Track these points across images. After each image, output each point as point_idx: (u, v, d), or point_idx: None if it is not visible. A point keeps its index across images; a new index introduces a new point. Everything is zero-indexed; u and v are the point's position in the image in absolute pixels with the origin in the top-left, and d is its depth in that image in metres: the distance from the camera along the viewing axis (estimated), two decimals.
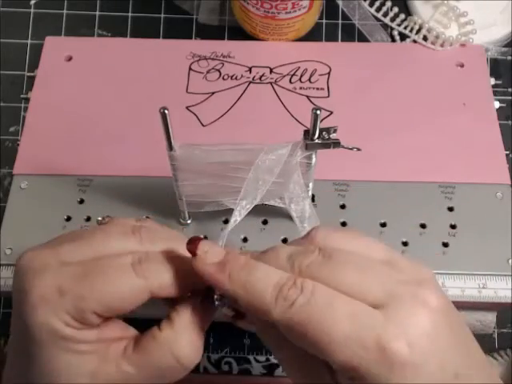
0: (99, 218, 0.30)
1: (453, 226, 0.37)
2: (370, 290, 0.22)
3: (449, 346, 0.22)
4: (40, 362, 0.24)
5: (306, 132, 0.30)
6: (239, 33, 0.47)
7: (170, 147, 0.30)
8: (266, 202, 0.34)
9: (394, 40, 0.48)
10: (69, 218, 0.37)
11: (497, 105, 0.43)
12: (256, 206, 0.32)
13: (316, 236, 0.25)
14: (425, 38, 0.46)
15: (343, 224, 0.37)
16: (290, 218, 0.36)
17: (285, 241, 0.37)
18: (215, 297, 0.26)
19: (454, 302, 0.35)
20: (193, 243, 0.25)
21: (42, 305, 0.24)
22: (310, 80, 0.44)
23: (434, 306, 0.22)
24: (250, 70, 0.44)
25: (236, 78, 0.44)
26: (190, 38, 0.48)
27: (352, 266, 0.23)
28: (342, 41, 0.48)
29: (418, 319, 0.22)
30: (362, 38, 0.48)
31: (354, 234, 0.26)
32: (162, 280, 0.25)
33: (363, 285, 0.23)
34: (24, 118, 0.43)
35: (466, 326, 0.24)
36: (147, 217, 0.37)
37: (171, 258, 0.26)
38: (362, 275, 0.23)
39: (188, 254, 0.25)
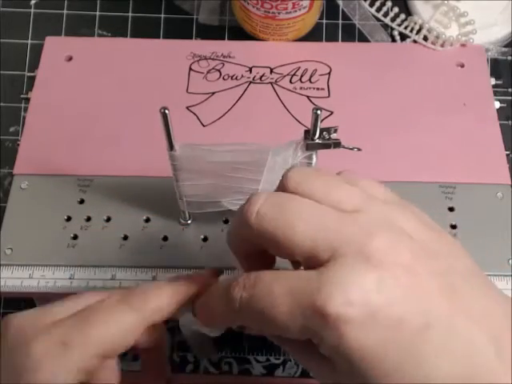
0: None
1: (453, 226, 0.37)
2: (317, 247, 0.21)
3: (411, 296, 0.20)
4: None
5: (307, 132, 0.30)
6: (239, 33, 0.47)
7: (171, 147, 0.30)
8: None
9: (394, 40, 0.48)
10: (69, 218, 0.37)
11: (497, 105, 0.43)
12: None
13: (289, 180, 0.24)
14: (425, 38, 0.46)
15: None
16: None
17: None
18: None
19: None
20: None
21: (47, 361, 0.24)
22: (310, 80, 0.44)
23: (382, 259, 0.20)
24: (250, 70, 0.44)
25: (236, 78, 0.44)
26: (190, 38, 0.48)
27: (303, 219, 0.22)
28: (342, 41, 0.48)
29: (357, 276, 0.20)
30: (363, 38, 0.48)
31: (334, 182, 0.24)
32: (154, 306, 0.26)
33: (312, 241, 0.21)
34: (24, 118, 0.43)
35: (457, 273, 0.22)
36: (148, 218, 0.37)
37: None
38: (310, 230, 0.21)
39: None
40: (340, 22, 0.49)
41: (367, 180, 0.25)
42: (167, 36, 0.48)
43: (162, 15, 0.49)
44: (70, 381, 0.24)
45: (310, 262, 0.22)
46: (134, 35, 0.48)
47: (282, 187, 0.24)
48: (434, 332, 0.20)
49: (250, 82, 0.44)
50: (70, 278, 0.35)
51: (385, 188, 0.25)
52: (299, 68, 0.44)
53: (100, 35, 0.48)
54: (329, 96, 0.43)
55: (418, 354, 0.20)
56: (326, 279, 0.20)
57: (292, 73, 0.44)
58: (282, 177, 0.24)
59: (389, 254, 0.21)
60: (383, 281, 0.20)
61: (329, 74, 0.44)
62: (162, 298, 0.26)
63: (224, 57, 0.45)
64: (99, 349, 0.24)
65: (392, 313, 0.20)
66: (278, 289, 0.21)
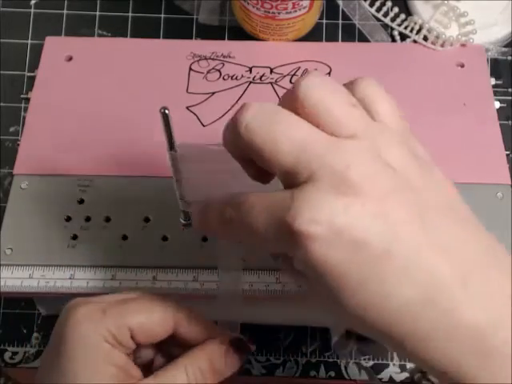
0: None
1: None
2: (297, 166, 0.22)
3: (377, 222, 0.21)
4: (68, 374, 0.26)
5: None
6: (239, 33, 0.47)
7: (171, 147, 0.30)
8: None
9: (394, 40, 0.48)
10: (69, 218, 0.37)
11: (497, 105, 0.43)
12: None
13: (298, 90, 0.23)
14: (425, 38, 0.46)
15: None
16: None
17: None
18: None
19: None
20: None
21: (85, 321, 0.27)
22: None
23: (356, 188, 0.21)
24: (250, 70, 0.44)
25: (236, 78, 0.44)
26: (191, 38, 0.48)
27: (289, 138, 0.22)
28: (342, 41, 0.48)
29: (327, 198, 0.21)
30: (363, 38, 0.48)
31: (339, 101, 0.23)
32: (181, 318, 0.29)
33: (293, 159, 0.22)
34: (24, 118, 0.43)
35: (437, 208, 0.22)
36: (148, 218, 0.37)
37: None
38: (294, 150, 0.22)
39: None
40: (340, 21, 0.49)
41: (378, 95, 0.25)
42: (167, 36, 0.48)
43: (162, 15, 0.49)
44: (100, 342, 0.26)
45: (288, 179, 0.22)
46: (134, 35, 0.48)
47: (290, 94, 0.23)
48: (395, 258, 0.21)
49: (250, 82, 0.44)
50: (70, 278, 0.35)
51: (392, 108, 0.25)
52: (299, 68, 0.44)
53: (100, 35, 0.48)
54: None
55: (381, 273, 0.21)
56: (297, 198, 0.21)
57: (292, 73, 0.44)
58: (294, 83, 0.23)
59: (364, 184, 0.21)
60: (352, 205, 0.21)
61: (329, 74, 0.44)
62: (191, 319, 0.29)
63: (224, 57, 0.45)
64: (130, 323, 0.27)
65: (356, 234, 0.21)
66: (259, 207, 0.22)
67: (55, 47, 0.45)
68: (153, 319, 0.28)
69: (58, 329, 0.28)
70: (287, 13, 0.43)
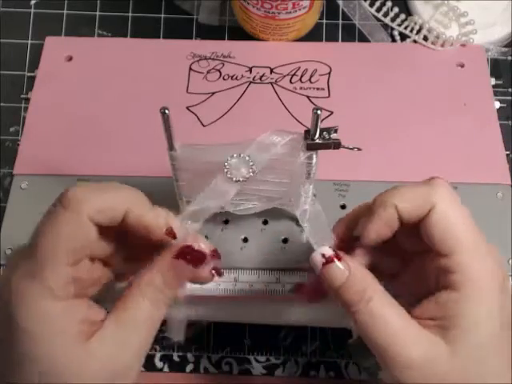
0: None
1: None
2: None
3: None
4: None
5: (307, 132, 0.30)
6: (239, 33, 0.47)
7: (171, 147, 0.30)
8: (269, 205, 0.34)
9: (394, 40, 0.48)
10: None
11: (497, 105, 0.43)
12: None
13: None
14: (425, 38, 0.46)
15: None
16: (290, 218, 0.36)
17: (285, 241, 0.37)
18: None
19: None
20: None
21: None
22: (310, 80, 0.44)
23: None
24: (250, 70, 0.44)
25: (236, 78, 0.44)
26: (191, 38, 0.48)
27: None
28: (342, 41, 0.48)
29: None
30: (363, 38, 0.48)
31: None
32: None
33: None
34: (24, 118, 0.43)
35: None
36: None
37: None
38: None
39: None
40: (340, 21, 0.49)
41: None
42: (167, 36, 0.48)
43: (162, 15, 0.49)
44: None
45: None
46: (134, 35, 0.48)
47: None
48: None
49: (250, 82, 0.44)
50: None
51: None
52: (299, 68, 0.44)
53: (100, 35, 0.48)
54: (329, 96, 0.43)
55: None
56: None
57: (292, 73, 0.44)
58: None
59: None
60: None
61: (329, 74, 0.44)
62: (100, 199, 0.27)
63: (224, 57, 0.45)
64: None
65: None
66: None
67: (55, 47, 0.45)
68: (66, 238, 0.26)
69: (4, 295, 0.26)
70: (287, 13, 0.43)
